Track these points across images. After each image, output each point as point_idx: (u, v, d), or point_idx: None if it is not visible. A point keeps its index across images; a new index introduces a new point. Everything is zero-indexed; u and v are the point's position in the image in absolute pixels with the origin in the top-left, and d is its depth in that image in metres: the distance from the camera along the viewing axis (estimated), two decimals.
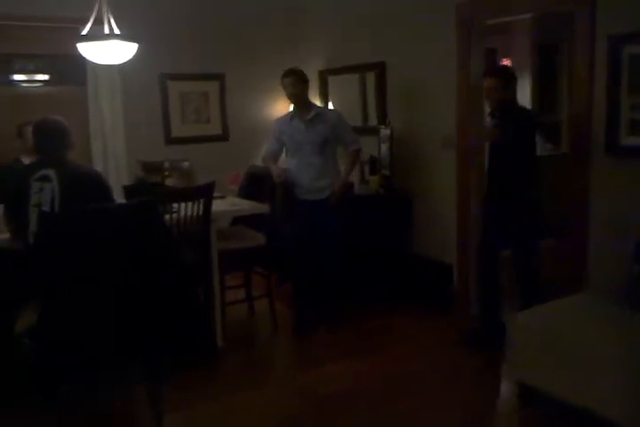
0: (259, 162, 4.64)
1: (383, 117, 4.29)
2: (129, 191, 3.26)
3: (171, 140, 4.66)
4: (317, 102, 4.48)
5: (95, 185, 2.74)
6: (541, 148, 5.79)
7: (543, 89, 5.89)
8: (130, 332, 2.57)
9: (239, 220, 3.88)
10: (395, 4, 4.12)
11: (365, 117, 4.53)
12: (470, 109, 3.66)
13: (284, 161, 3.85)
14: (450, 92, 3.73)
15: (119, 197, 3.11)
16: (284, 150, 3.82)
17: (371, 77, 4.43)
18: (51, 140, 2.75)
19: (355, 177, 4.10)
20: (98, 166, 4.20)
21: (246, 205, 3.60)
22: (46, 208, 2.61)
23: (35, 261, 2.55)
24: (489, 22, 3.69)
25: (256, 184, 3.93)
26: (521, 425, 2.66)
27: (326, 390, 2.88)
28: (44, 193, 2.63)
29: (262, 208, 3.56)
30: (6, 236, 2.82)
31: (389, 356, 3.25)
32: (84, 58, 3.57)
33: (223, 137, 4.89)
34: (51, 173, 2.65)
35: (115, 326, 2.53)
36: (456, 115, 3.71)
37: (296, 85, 3.57)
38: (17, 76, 4.42)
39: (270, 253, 3.64)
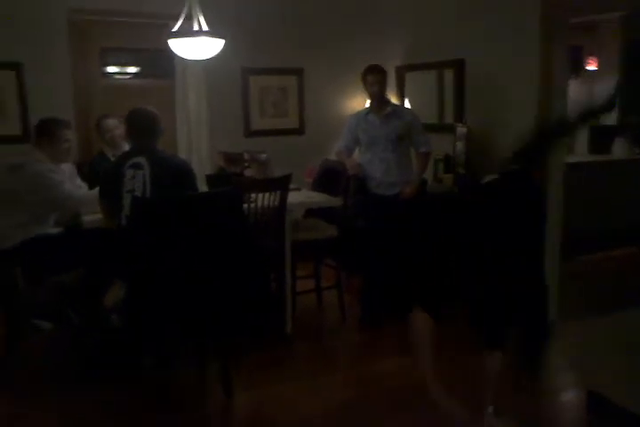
0: (333, 156, 4.73)
1: (460, 115, 4.27)
2: (211, 180, 3.44)
3: (250, 133, 4.83)
4: (393, 99, 4.51)
5: (182, 173, 2.91)
6: (626, 150, 5.59)
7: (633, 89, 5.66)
8: (206, 311, 2.72)
9: (312, 212, 3.98)
10: (480, 2, 4.09)
11: (441, 115, 4.52)
12: (552, 109, 3.59)
13: (358, 156, 3.92)
14: (532, 91, 3.67)
15: (202, 186, 3.28)
16: (357, 145, 3.89)
17: (449, 74, 4.42)
18: (143, 128, 2.94)
19: (428, 175, 4.12)
20: (182, 156, 4.41)
21: (320, 198, 3.70)
22: (138, 193, 2.81)
23: (126, 242, 2.75)
24: (575, 20, 3.61)
25: (330, 178, 4.02)
26: None
27: (388, 383, 2.93)
28: (137, 180, 2.82)
29: (335, 201, 3.65)
30: (99, 216, 3.06)
31: (453, 355, 3.25)
32: (173, 52, 3.77)
33: (299, 131, 5.00)
34: (142, 160, 2.84)
35: (193, 304, 2.70)
36: (538, 115, 3.65)
37: (379, 82, 3.62)
38: (110, 68, 4.69)
39: (341, 245, 3.72)
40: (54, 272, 2.96)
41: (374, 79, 3.63)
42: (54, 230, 3.18)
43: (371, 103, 3.80)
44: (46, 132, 3.17)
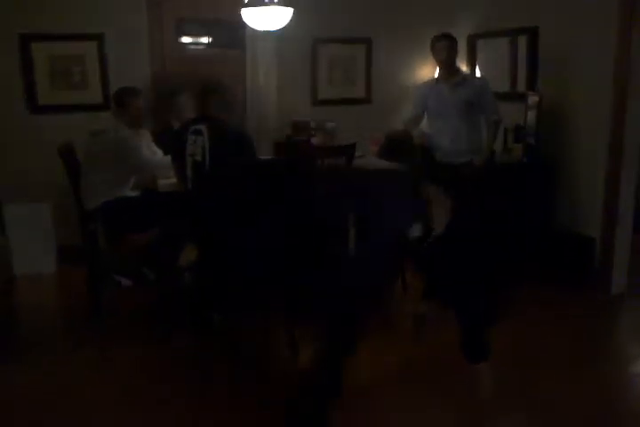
0: (399, 125, 4.71)
1: (532, 84, 4.15)
2: (279, 148, 3.54)
3: (317, 102, 4.87)
4: (463, 67, 4.43)
5: (238, 140, 3.05)
6: None
7: None
8: (272, 269, 2.84)
9: None
10: None
11: (513, 83, 4.40)
12: (629, 82, 3.43)
13: (426, 125, 3.90)
14: (606, 63, 3.52)
15: (271, 153, 3.39)
16: (425, 115, 3.87)
17: (522, 42, 4.28)
18: (211, 98, 3.13)
19: (498, 145, 4.05)
20: (252, 124, 4.52)
21: (385, 165, 3.70)
22: (198, 158, 2.99)
23: (192, 203, 2.91)
24: None
25: (395, 146, 4.02)
26: None
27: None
28: (197, 145, 3.00)
29: (400, 168, 3.65)
30: (172, 180, 3.24)
31: (519, 324, 3.24)
32: (244, 23, 3.85)
33: (367, 100, 5.00)
34: (202, 127, 3.02)
35: (258, 266, 2.82)
36: (612, 86, 3.50)
37: (448, 50, 3.58)
38: (184, 39, 4.83)
39: None
40: (133, 232, 3.16)
41: (442, 46, 3.59)
42: (133, 193, 3.38)
43: (440, 72, 3.76)
44: (120, 101, 3.36)
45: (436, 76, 4.01)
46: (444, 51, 3.60)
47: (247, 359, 2.89)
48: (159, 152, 3.56)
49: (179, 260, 3.02)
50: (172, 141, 3.20)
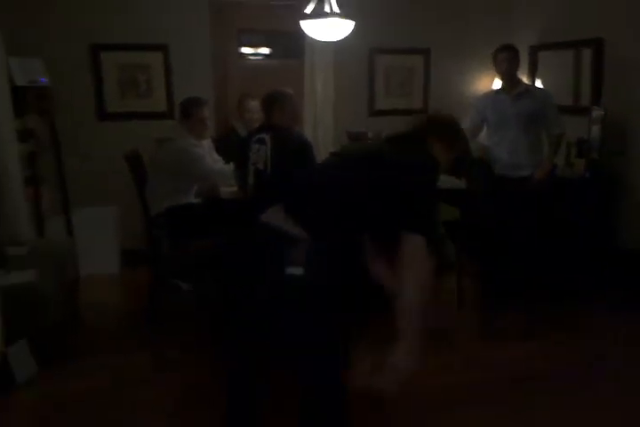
0: None
1: (597, 98, 4.06)
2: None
3: (374, 112, 4.90)
4: (524, 79, 4.37)
5: (300, 149, 3.10)
6: None
7: None
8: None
9: None
10: None
11: (577, 97, 4.32)
12: None
13: (485, 137, 3.87)
14: None
15: None
16: (484, 127, 3.84)
17: (587, 54, 4.20)
18: (274, 108, 3.18)
19: (559, 159, 3.98)
20: (308, 133, 4.58)
21: (443, 179, 3.69)
22: (260, 166, 3.07)
23: (253, 212, 2.96)
24: None
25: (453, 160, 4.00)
26: None
27: (505, 368, 2.91)
28: (260, 154, 3.07)
29: (458, 183, 3.64)
30: (234, 189, 3.33)
31: (575, 346, 3.16)
32: (303, 33, 3.90)
33: (424, 111, 4.99)
34: (266, 137, 3.08)
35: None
36: None
37: (511, 61, 3.55)
38: (244, 49, 4.94)
39: (464, 227, 3.72)
40: (195, 238, 3.24)
41: (504, 57, 3.57)
42: (196, 200, 3.48)
43: (503, 83, 3.72)
44: (186, 111, 3.45)
45: (497, 87, 3.98)
46: (506, 62, 3.57)
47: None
48: (220, 160, 3.65)
49: None
50: (236, 150, 3.28)
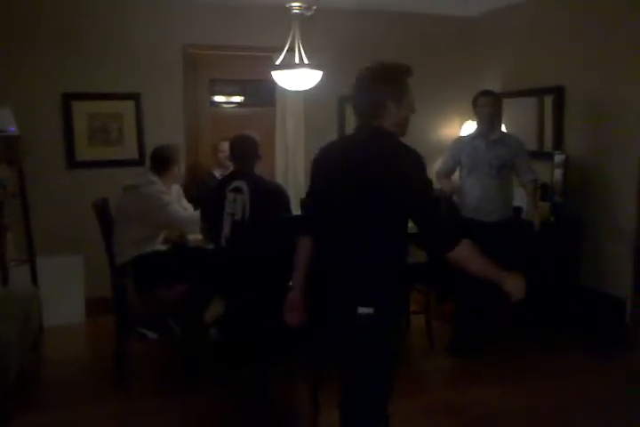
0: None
1: (558, 143, 4.19)
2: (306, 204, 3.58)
3: None
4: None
5: (278, 198, 3.06)
6: None
7: None
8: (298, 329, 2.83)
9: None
10: (576, 27, 4.03)
11: (540, 142, 4.44)
12: None
13: (457, 180, 3.92)
14: (636, 120, 3.55)
15: (298, 209, 3.43)
16: (457, 170, 3.90)
17: (548, 101, 4.35)
18: (243, 153, 3.12)
19: (523, 203, 4.04)
20: (279, 179, 4.63)
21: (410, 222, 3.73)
22: (238, 217, 2.97)
23: (225, 262, 2.93)
24: None
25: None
26: None
27: (473, 410, 2.91)
28: (237, 203, 2.98)
29: None
30: (199, 237, 3.30)
31: (540, 387, 3.17)
32: (274, 82, 4.00)
33: None
34: (242, 185, 3.01)
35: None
36: None
37: (491, 105, 3.64)
38: (218, 98, 5.03)
39: (431, 270, 3.72)
40: (162, 286, 3.19)
41: (486, 101, 3.64)
42: (162, 247, 3.44)
43: (479, 127, 3.76)
44: (170, 158, 3.43)
45: (471, 132, 4.04)
46: (488, 106, 3.64)
47: (270, 413, 2.85)
48: (189, 207, 3.64)
49: (205, 315, 3.03)
50: (208, 198, 3.19)
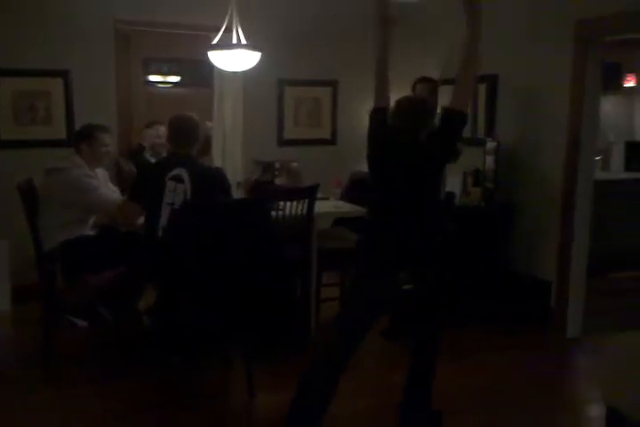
0: (363, 167, 4.78)
1: (490, 130, 4.30)
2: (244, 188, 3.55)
3: (283, 142, 4.94)
4: None
5: (220, 184, 3.00)
6: None
7: None
8: (233, 315, 2.82)
9: (341, 221, 4.05)
10: (509, 17, 4.12)
11: (474, 129, 4.54)
12: (582, 125, 3.60)
13: None
14: (562, 107, 3.69)
15: (235, 193, 3.40)
16: None
17: (482, 89, 4.45)
18: (185, 136, 3.00)
19: (457, 188, 4.14)
20: (217, 163, 4.55)
21: (348, 208, 3.76)
22: (177, 207, 2.85)
23: (161, 251, 2.85)
24: (613, 38, 3.61)
25: (359, 189, 4.09)
26: None
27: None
28: (177, 193, 2.88)
29: (363, 211, 3.71)
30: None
31: (471, 368, 3.29)
32: (212, 63, 3.91)
33: (331, 141, 5.09)
34: (183, 173, 2.89)
35: (218, 308, 2.80)
36: (568, 129, 3.66)
37: (431, 92, 3.67)
38: (152, 77, 4.89)
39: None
40: (91, 272, 3.09)
41: (423, 87, 3.67)
42: (92, 232, 3.33)
43: None
44: (85, 137, 3.30)
45: None
46: (425, 93, 3.67)
47: (203, 400, 2.85)
48: (117, 190, 3.52)
49: (138, 303, 2.97)
50: (145, 184, 3.00)
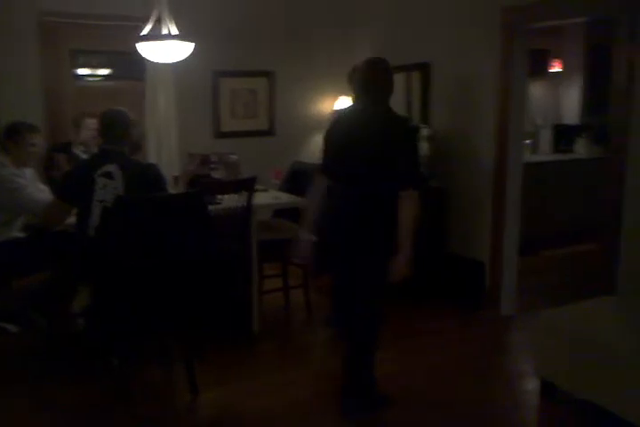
0: (303, 158, 4.81)
1: (425, 117, 4.38)
2: (178, 182, 3.50)
3: (220, 134, 4.88)
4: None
5: (154, 179, 2.91)
6: (589, 150, 5.77)
7: (595, 91, 5.83)
8: (171, 310, 2.78)
9: (281, 212, 4.05)
10: (438, 5, 4.20)
11: (409, 117, 4.62)
12: (510, 112, 3.71)
13: None
14: (491, 94, 3.80)
15: (170, 187, 3.33)
16: None
17: (416, 77, 4.52)
18: (115, 129, 2.90)
19: None
20: (152, 157, 4.46)
21: (287, 199, 3.77)
22: (109, 204, 2.75)
23: (93, 251, 2.76)
24: (539, 25, 3.73)
25: (298, 179, 4.10)
26: (541, 420, 2.75)
27: None
28: (108, 191, 2.78)
29: (302, 202, 3.72)
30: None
31: (410, 347, 3.39)
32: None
33: (270, 132, 5.07)
34: (114, 169, 2.80)
35: (158, 304, 2.75)
36: (497, 115, 3.78)
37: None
38: (81, 71, 4.71)
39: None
40: (20, 276, 2.98)
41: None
42: (21, 234, 3.21)
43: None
44: (13, 136, 3.18)
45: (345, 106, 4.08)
46: None
47: (145, 401, 2.80)
48: (46, 189, 3.39)
49: (71, 304, 2.88)
50: (74, 181, 2.89)
